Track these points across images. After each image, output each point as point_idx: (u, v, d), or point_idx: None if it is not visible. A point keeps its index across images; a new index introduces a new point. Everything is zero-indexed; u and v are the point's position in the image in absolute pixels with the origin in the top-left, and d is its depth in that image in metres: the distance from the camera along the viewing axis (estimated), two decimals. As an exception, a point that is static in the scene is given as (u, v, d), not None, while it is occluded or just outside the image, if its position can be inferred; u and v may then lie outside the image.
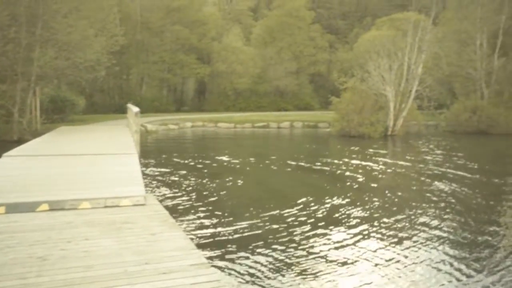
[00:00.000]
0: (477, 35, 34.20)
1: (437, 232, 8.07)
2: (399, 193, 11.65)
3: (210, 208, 9.57)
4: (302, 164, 16.85)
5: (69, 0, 22.42)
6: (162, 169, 14.45)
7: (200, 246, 6.69)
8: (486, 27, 33.97)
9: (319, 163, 16.72)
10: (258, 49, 50.86)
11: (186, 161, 16.63)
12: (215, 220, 8.56)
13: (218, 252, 6.80)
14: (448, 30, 36.87)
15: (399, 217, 9.12)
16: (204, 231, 7.87)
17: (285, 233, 7.80)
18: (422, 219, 8.96)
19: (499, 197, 11.62)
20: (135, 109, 14.79)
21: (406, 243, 7.47)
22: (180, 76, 46.97)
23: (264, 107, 48.10)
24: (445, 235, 7.94)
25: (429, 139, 27.66)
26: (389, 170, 15.78)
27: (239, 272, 6.06)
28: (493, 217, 9.41)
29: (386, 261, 6.62)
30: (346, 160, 17.82)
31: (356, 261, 6.61)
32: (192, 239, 7.06)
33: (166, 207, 7.25)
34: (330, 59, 55.37)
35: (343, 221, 8.79)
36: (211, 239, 7.43)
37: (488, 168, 16.87)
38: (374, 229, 8.24)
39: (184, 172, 14.12)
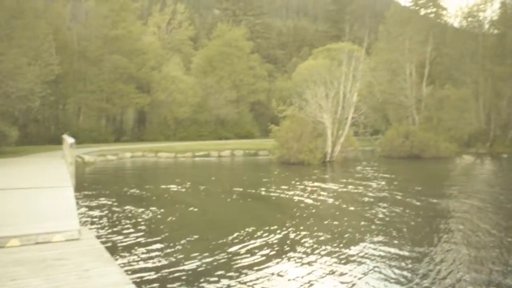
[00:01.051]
0: (406, 65, 36.16)
1: (375, 252, 8.30)
2: (340, 219, 11.90)
3: (149, 240, 9.37)
4: (243, 192, 16.90)
5: (0, 27, 21.68)
6: (99, 201, 14.04)
7: (137, 281, 6.53)
8: (414, 57, 36.04)
9: (260, 191, 16.83)
10: (198, 78, 51.06)
11: (124, 193, 16.26)
12: (154, 253, 8.37)
13: (156, 287, 6.66)
14: (380, 60, 38.74)
15: (341, 243, 9.31)
16: (142, 264, 7.68)
17: (227, 266, 7.75)
18: (361, 243, 9.19)
19: (433, 218, 12.13)
20: (70, 140, 14.36)
21: (349, 268, 7.63)
22: (119, 105, 46.14)
23: (205, 136, 48.06)
24: (382, 253, 8.18)
25: (366, 164, 28.56)
26: (328, 196, 16.10)
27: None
28: (425, 238, 9.79)
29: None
30: (286, 187, 18.04)
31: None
32: (128, 273, 6.87)
33: (102, 241, 7.05)
34: (269, 87, 56.40)
35: (287, 249, 8.85)
36: (149, 273, 7.26)
37: (420, 191, 17.60)
38: (316, 257, 8.35)
39: (122, 203, 13.78)
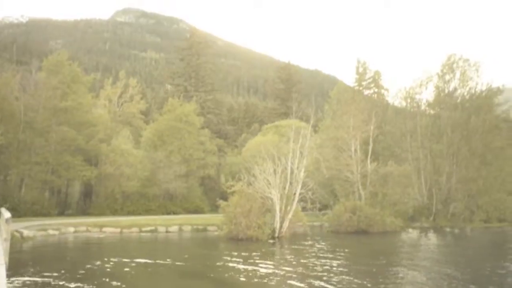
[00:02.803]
0: (351, 142, 37.59)
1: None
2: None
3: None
4: (187, 270, 16.51)
5: None
6: (33, 280, 13.32)
7: None
8: (358, 135, 37.60)
9: (204, 269, 16.51)
10: (148, 152, 50.78)
11: (61, 272, 15.49)
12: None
13: None
14: (326, 137, 40.15)
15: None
16: None
17: None
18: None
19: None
20: (7, 214, 13.74)
21: None
22: (65, 178, 44.84)
23: (153, 210, 47.08)
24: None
25: (314, 240, 28.68)
26: (274, 273, 15.97)
27: None
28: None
29: None
30: (232, 264, 17.79)
31: None
32: None
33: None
34: (219, 162, 56.71)
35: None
36: None
37: (367, 269, 17.77)
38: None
39: (57, 284, 13.13)
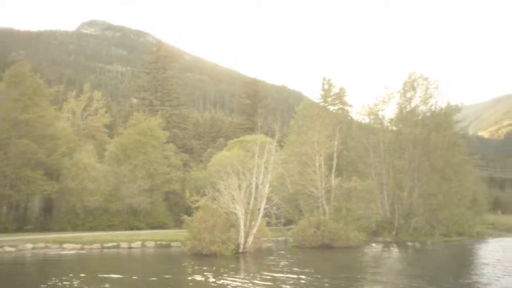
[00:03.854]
0: (315, 158, 37.99)
1: None
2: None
3: None
4: (146, 286, 16.24)
5: None
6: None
7: None
8: (322, 150, 38.04)
9: (164, 285, 16.28)
10: (111, 166, 49.93)
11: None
12: None
13: None
14: (291, 152, 40.46)
15: None
16: None
17: None
18: None
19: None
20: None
21: None
22: (24, 192, 43.56)
23: (116, 225, 46.15)
24: None
25: (279, 255, 28.71)
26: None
27: None
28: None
29: None
30: (193, 280, 17.62)
31: None
32: None
33: None
34: (184, 177, 56.26)
35: None
36: None
37: (332, 284, 17.89)
38: None
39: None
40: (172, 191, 54.41)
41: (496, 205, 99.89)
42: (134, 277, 18.81)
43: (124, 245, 32.95)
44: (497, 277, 19.70)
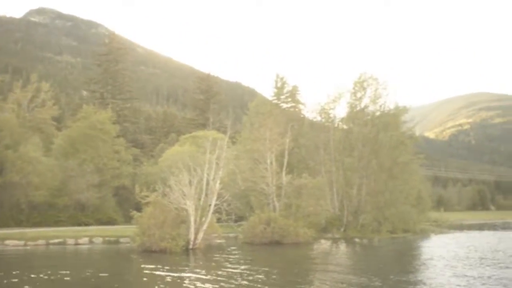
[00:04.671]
0: (267, 154, 38.28)
1: None
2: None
3: None
4: (91, 283, 15.93)
5: None
6: None
7: None
8: (274, 147, 38.37)
9: (111, 282, 16.03)
10: (59, 160, 48.45)
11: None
12: None
13: None
14: (243, 149, 40.52)
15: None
16: None
17: None
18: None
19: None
20: None
21: None
22: (-37, 187, 41.68)
23: (62, 221, 44.84)
24: None
25: (228, 251, 28.81)
26: (185, 285, 15.86)
27: None
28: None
29: None
30: (141, 276, 17.44)
31: None
32: None
33: None
34: (135, 172, 55.37)
35: None
36: None
37: (280, 279, 18.13)
38: None
39: None
40: (122, 186, 53.40)
41: (440, 203, 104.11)
42: (81, 275, 18.40)
43: (70, 241, 32.17)
44: (440, 271, 20.54)
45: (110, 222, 48.17)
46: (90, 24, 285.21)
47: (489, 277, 18.27)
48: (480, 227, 60.59)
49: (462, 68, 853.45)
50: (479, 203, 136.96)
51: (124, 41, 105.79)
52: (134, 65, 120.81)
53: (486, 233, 49.05)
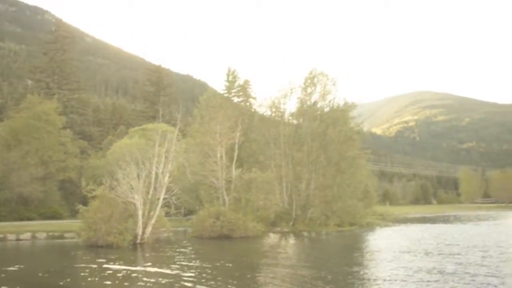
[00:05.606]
0: (217, 148, 38.22)
1: None
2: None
3: None
4: (31, 280, 15.47)
5: None
6: None
7: None
8: (224, 141, 38.35)
9: (53, 278, 15.63)
10: (0, 152, 46.52)
11: None
12: None
13: None
14: (193, 142, 40.25)
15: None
16: None
17: None
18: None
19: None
20: None
21: None
22: None
23: (3, 216, 43.05)
24: None
25: (177, 246, 28.62)
26: (132, 280, 15.66)
27: None
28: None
29: None
30: (86, 272, 17.07)
31: None
32: None
33: None
34: (81, 165, 53.92)
35: None
36: None
37: (230, 272, 18.19)
38: None
39: None
40: (68, 180, 51.92)
41: (385, 197, 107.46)
42: (22, 271, 17.82)
43: (11, 237, 30.99)
44: (386, 263, 21.26)
45: (55, 216, 46.75)
46: (36, 10, 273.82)
47: (433, 268, 19.08)
48: (423, 220, 62.92)
49: (409, 67, 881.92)
50: (422, 197, 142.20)
51: (72, 29, 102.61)
52: (83, 55, 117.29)
53: (428, 226, 51.02)
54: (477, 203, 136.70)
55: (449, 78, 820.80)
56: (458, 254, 24.45)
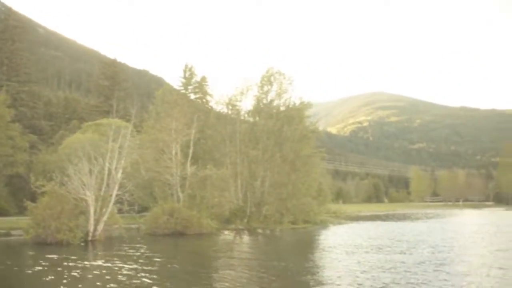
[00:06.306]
0: (172, 145, 37.90)
1: None
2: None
3: None
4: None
5: None
6: None
7: None
8: (180, 138, 38.07)
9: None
10: None
11: None
12: None
13: None
14: (148, 138, 39.74)
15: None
16: None
17: None
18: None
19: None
20: None
21: None
22: None
23: None
24: None
25: (129, 243, 28.20)
26: (81, 278, 15.35)
27: None
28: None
29: None
30: (32, 271, 16.60)
31: None
32: None
33: None
34: (31, 160, 52.15)
35: None
36: None
37: (183, 269, 18.10)
38: None
39: None
40: (16, 175, 50.10)
41: (339, 195, 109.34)
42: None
43: (-48, 234, 29.63)
44: (339, 259, 21.72)
45: (2, 213, 45.01)
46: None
47: (387, 261, 19.72)
48: (374, 218, 64.53)
49: (364, 69, 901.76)
50: (374, 196, 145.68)
51: (23, 19, 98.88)
52: (34, 46, 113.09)
53: (379, 223, 52.40)
54: (426, 201, 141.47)
55: (402, 80, 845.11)
56: (408, 249, 25.34)
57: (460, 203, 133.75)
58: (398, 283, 15.00)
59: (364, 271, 17.65)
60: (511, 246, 29.36)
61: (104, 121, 50.58)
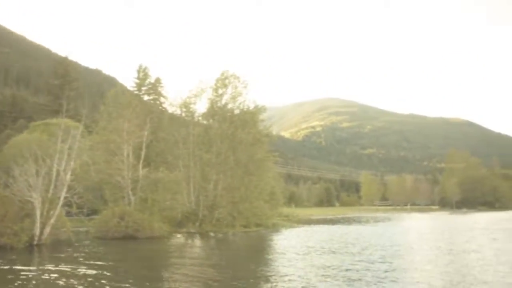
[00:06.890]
0: (124, 146, 37.25)
1: None
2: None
3: None
4: None
5: None
6: None
7: None
8: (132, 139, 37.47)
9: None
10: None
11: None
12: None
13: None
14: (99, 140, 38.89)
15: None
16: None
17: None
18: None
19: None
20: None
21: None
22: None
23: None
24: None
25: (77, 247, 27.52)
26: (26, 284, 14.86)
27: None
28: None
29: None
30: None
31: None
32: None
33: None
34: (-27, 160, 50.01)
35: None
36: None
37: (132, 274, 17.79)
38: None
39: None
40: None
41: (291, 199, 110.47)
42: None
43: None
44: (291, 262, 21.97)
45: None
46: None
47: (336, 265, 20.06)
48: (326, 221, 65.55)
49: (319, 73, 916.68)
50: (326, 200, 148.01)
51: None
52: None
53: (330, 227, 53.29)
54: (376, 205, 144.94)
55: (355, 86, 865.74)
56: (359, 252, 25.96)
57: (408, 207, 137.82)
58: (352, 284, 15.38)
59: (314, 272, 17.99)
60: (454, 247, 30.61)
61: (53, 121, 49.21)
